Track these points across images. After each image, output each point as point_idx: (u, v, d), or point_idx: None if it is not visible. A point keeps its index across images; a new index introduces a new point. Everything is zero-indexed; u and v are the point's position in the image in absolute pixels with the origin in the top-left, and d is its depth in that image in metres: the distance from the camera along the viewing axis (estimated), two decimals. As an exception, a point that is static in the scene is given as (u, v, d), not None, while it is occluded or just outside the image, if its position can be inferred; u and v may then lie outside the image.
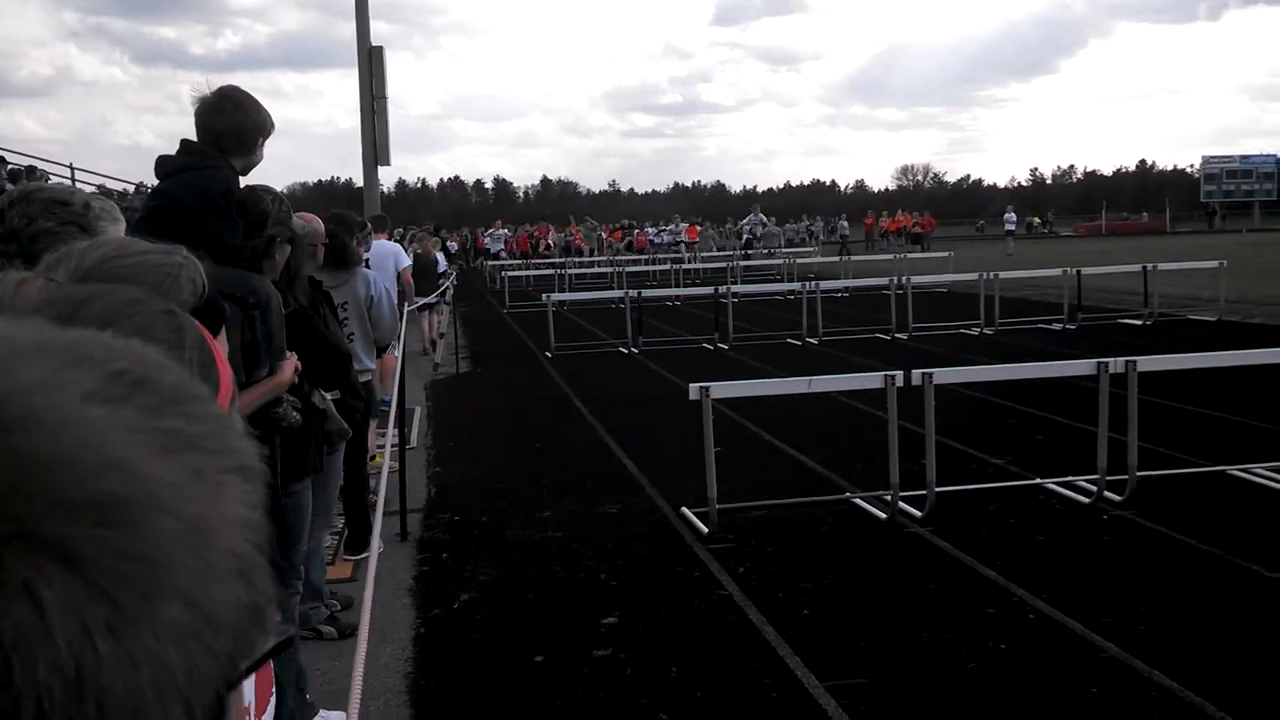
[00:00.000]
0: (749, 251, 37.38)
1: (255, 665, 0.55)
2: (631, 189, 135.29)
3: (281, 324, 3.47)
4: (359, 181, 19.04)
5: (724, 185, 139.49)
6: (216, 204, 3.41)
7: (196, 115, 3.54)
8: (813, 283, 17.66)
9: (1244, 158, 69.10)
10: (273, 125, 3.69)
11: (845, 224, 52.22)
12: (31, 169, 20.96)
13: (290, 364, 3.42)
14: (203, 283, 1.20)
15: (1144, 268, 17.07)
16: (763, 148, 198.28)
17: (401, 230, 23.96)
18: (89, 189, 13.23)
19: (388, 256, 10.11)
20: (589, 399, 11.31)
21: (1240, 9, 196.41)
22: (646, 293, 18.71)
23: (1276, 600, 5.02)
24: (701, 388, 6.31)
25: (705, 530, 6.33)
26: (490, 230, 50.32)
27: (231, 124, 3.53)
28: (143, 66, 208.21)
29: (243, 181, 3.69)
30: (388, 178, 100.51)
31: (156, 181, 3.65)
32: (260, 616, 0.52)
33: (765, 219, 40.71)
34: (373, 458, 6.66)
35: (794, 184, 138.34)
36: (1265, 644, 4.55)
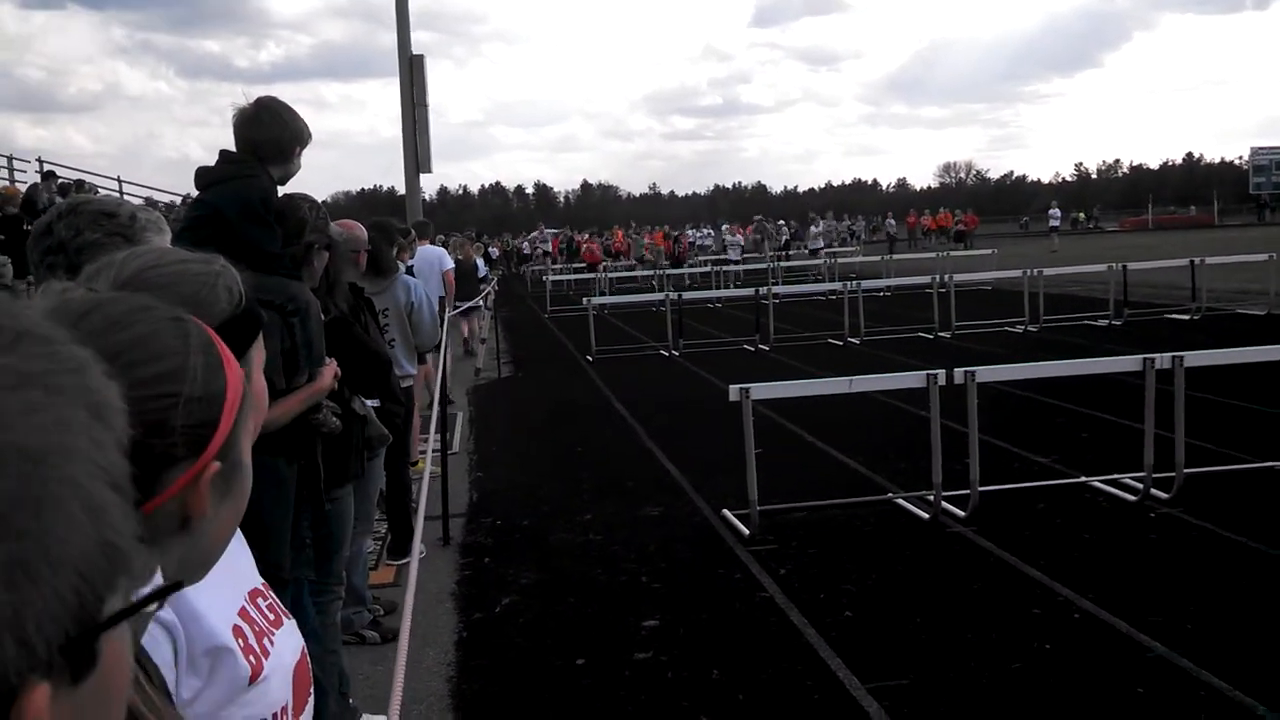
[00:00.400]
0: (789, 252, 37.19)
1: (126, 613, 0.53)
2: (672, 192, 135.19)
3: (321, 331, 3.50)
4: (401, 189, 19.16)
5: (765, 186, 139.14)
6: (255, 212, 3.45)
7: (235, 126, 3.58)
8: (854, 282, 17.57)
9: (1294, 149, 67.98)
10: (310, 135, 3.72)
11: (893, 222, 51.96)
12: (80, 183, 21.30)
13: (330, 370, 3.45)
14: (239, 291, 1.22)
15: (1191, 262, 16.83)
16: (803, 148, 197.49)
17: (443, 236, 24.13)
18: (137, 201, 13.43)
19: (432, 260, 10.48)
20: (630, 402, 11.32)
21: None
22: (687, 295, 18.72)
23: (1329, 598, 4.93)
24: (742, 389, 6.30)
25: (746, 532, 6.31)
26: (532, 234, 50.63)
27: (269, 134, 3.57)
28: (188, 80, 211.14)
29: (281, 190, 3.73)
30: (429, 185, 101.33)
31: (198, 193, 3.71)
32: (119, 557, 0.51)
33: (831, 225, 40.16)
34: (415, 463, 6.70)
35: (835, 184, 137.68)
36: (1317, 642, 4.47)
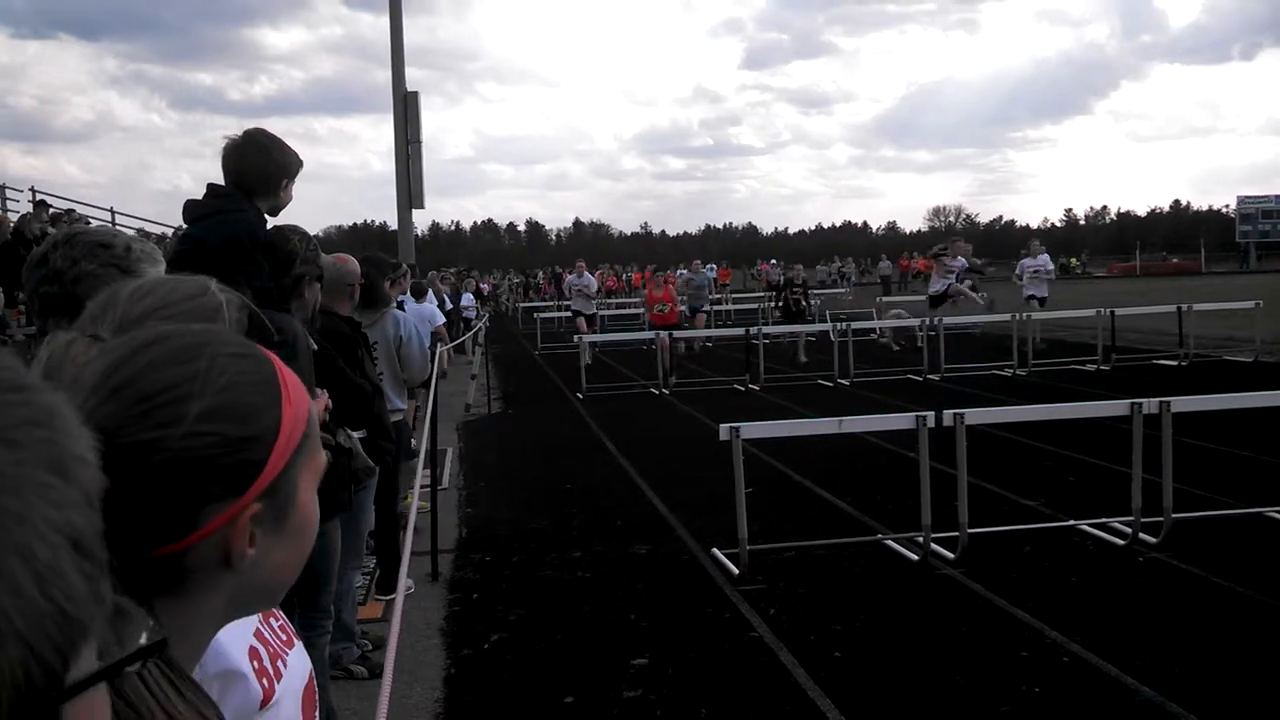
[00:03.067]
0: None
1: (89, 681, 0.51)
2: (663, 230, 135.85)
3: (310, 363, 3.51)
4: (394, 224, 19.21)
5: (755, 227, 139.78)
6: (240, 247, 3.44)
7: (222, 159, 3.59)
8: (844, 324, 17.63)
9: (1279, 197, 68.58)
10: (299, 166, 3.72)
11: (887, 264, 52.27)
12: (70, 212, 21.30)
13: (320, 403, 3.44)
14: (242, 318, 1.23)
15: (1179, 308, 16.94)
16: (793, 189, 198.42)
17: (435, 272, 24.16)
18: (129, 233, 13.39)
19: (424, 316, 11.31)
20: (620, 440, 11.32)
21: (1275, 48, 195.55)
22: (678, 334, 18.75)
23: (1316, 644, 4.95)
24: (732, 428, 6.31)
25: (736, 571, 6.31)
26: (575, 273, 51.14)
27: (255, 166, 3.58)
28: (180, 112, 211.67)
29: (272, 222, 3.74)
30: (421, 220, 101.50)
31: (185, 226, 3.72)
32: (72, 626, 0.49)
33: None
34: (404, 498, 6.69)
35: (825, 226, 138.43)
36: (1304, 689, 4.48)
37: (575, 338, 17.29)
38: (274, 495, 0.89)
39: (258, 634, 1.18)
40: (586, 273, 22.02)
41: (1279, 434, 9.26)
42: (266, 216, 3.66)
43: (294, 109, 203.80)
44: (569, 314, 24.84)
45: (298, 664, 1.24)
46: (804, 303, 21.08)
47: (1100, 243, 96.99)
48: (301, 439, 0.92)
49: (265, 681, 1.14)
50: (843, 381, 15.61)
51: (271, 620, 1.25)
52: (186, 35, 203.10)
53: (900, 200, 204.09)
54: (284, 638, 1.25)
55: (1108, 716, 4.31)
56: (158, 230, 26.54)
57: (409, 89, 18.56)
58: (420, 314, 11.33)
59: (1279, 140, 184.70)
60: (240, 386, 0.87)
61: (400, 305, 7.47)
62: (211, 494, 0.85)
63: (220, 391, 0.86)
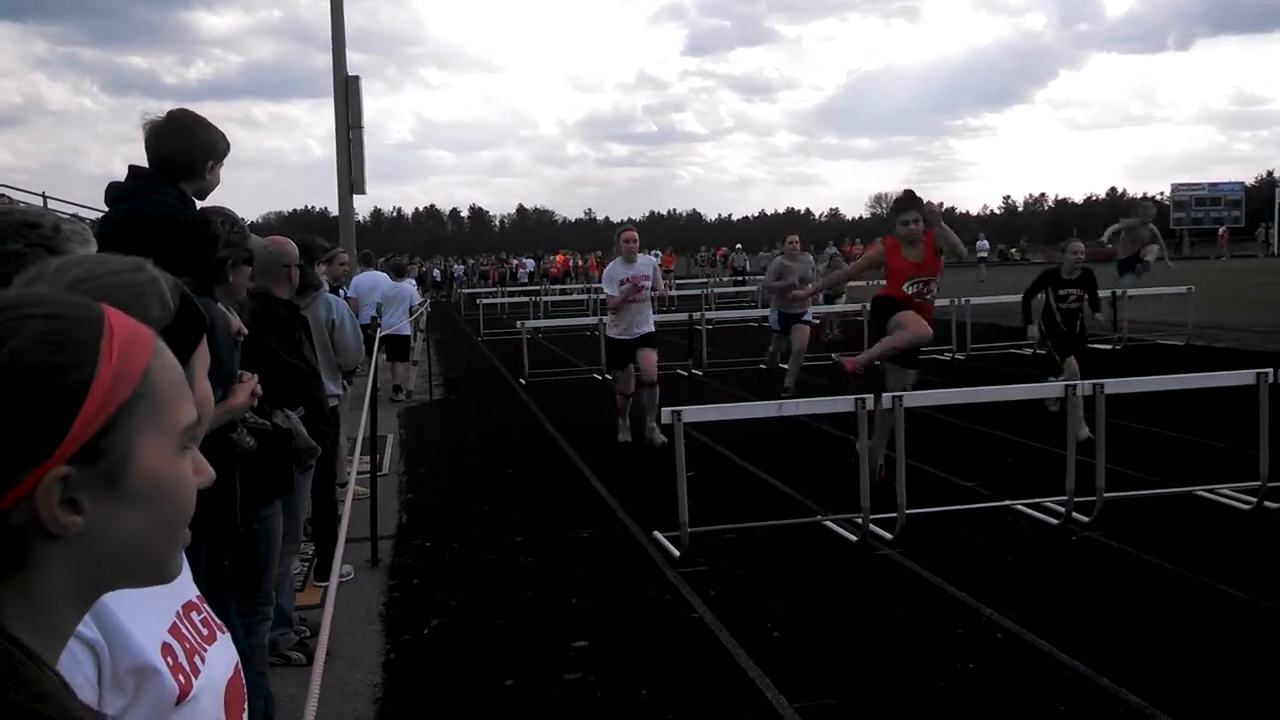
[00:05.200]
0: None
1: None
2: (607, 217, 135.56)
3: (231, 347, 3.44)
4: (335, 210, 19.01)
5: (700, 214, 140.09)
6: (155, 229, 3.34)
7: (144, 140, 3.53)
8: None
9: (1212, 185, 69.98)
10: (226, 148, 3.63)
11: (834, 250, 52.64)
12: (2, 196, 20.83)
13: (246, 387, 3.37)
14: (173, 297, 1.20)
15: (1113, 293, 17.21)
16: (737, 176, 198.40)
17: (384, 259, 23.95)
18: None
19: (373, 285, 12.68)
20: (562, 425, 11.32)
21: (1209, 38, 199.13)
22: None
23: (1241, 619, 5.07)
24: (674, 412, 6.33)
25: (677, 554, 6.34)
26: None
27: (176, 148, 3.50)
28: (114, 96, 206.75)
29: (203, 205, 3.67)
30: (363, 206, 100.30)
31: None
32: None
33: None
34: (342, 484, 6.64)
35: (769, 213, 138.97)
36: (1229, 662, 4.59)
37: (518, 323, 17.17)
38: (96, 459, 0.84)
39: (173, 629, 1.16)
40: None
41: (1208, 415, 9.46)
42: (196, 200, 3.60)
43: (231, 93, 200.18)
44: (511, 300, 24.33)
45: (219, 658, 1.21)
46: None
47: (1039, 229, 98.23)
48: (134, 399, 0.86)
49: (181, 677, 1.12)
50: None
51: (193, 614, 1.22)
52: (118, 17, 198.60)
53: (843, 187, 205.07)
54: (205, 632, 1.22)
55: (1040, 690, 4.39)
56: (93, 215, 26.07)
57: (350, 73, 18.36)
58: (399, 292, 13.87)
59: (1212, 129, 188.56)
60: (34, 348, 0.82)
61: (335, 290, 7.39)
62: (7, 458, 0.81)
63: (10, 354, 0.82)
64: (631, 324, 9.91)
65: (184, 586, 1.23)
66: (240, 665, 1.27)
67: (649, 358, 9.85)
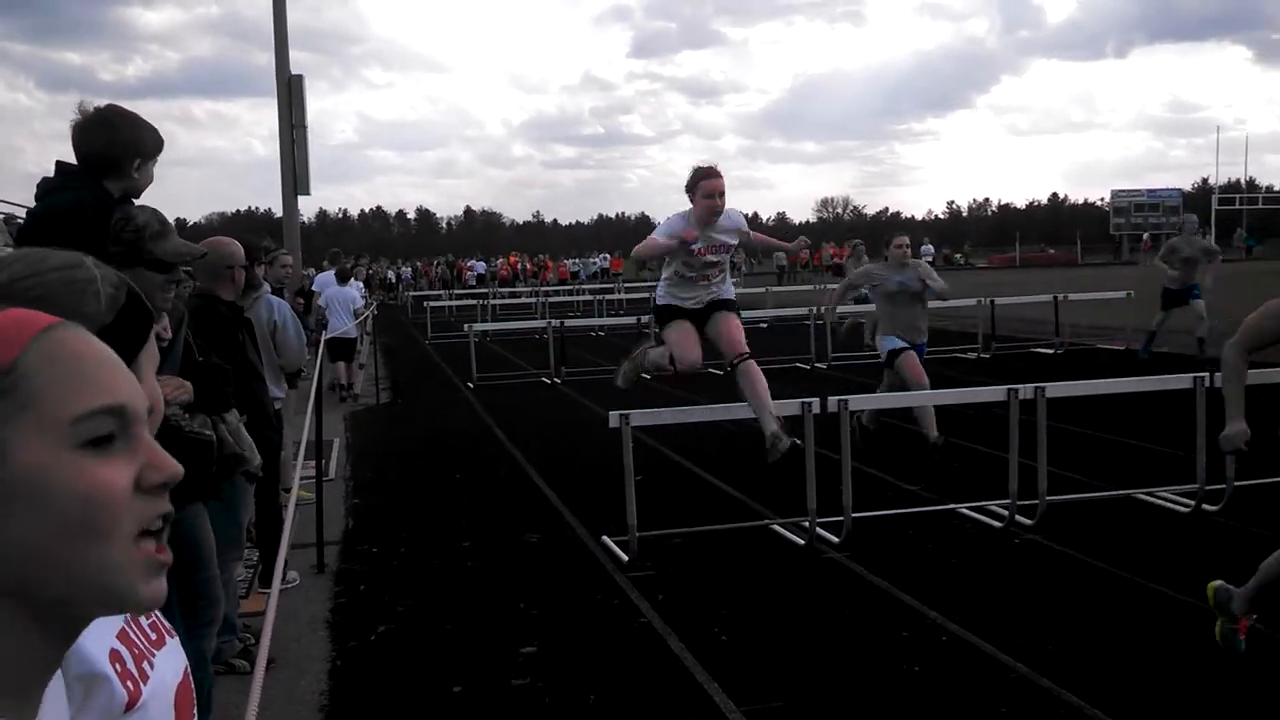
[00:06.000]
0: None
1: None
2: (555, 220, 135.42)
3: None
4: (279, 211, 18.80)
5: (648, 216, 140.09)
6: (61, 225, 3.27)
7: (71, 137, 3.47)
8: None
9: (1150, 191, 71.20)
10: (155, 146, 3.54)
11: (782, 255, 52.94)
12: (-64, 197, 20.40)
13: (164, 391, 3.29)
14: (112, 295, 1.18)
15: (1055, 298, 17.51)
16: (684, 179, 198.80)
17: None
18: (-3, 217, 12.89)
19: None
20: (510, 429, 11.28)
21: (1146, 46, 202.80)
22: (570, 323, 18.75)
23: (1179, 620, 5.16)
24: (622, 415, 6.34)
25: (625, 558, 6.34)
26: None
27: (99, 145, 3.43)
28: (49, 93, 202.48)
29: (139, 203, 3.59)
30: (308, 207, 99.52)
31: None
32: None
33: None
34: (287, 489, 6.57)
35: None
36: (1168, 662, 4.67)
37: (465, 326, 17.11)
38: None
39: (121, 634, 1.14)
40: None
41: (1148, 419, 9.63)
42: (131, 198, 3.52)
43: (170, 91, 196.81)
44: (460, 303, 24.11)
45: (168, 664, 1.19)
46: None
47: (982, 234, 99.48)
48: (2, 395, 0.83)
49: (130, 684, 1.10)
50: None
51: (141, 619, 1.20)
52: (52, 12, 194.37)
53: (789, 191, 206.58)
54: (153, 637, 1.20)
55: (983, 692, 4.44)
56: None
57: (293, 72, 18.17)
58: (343, 296, 14.18)
59: (1149, 136, 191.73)
60: None
61: (279, 292, 7.31)
62: None
63: None
64: (700, 293, 6.94)
65: None
66: (189, 670, 1.25)
67: (730, 325, 6.96)
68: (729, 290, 7.18)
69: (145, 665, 1.13)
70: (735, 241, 7.03)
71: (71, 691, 1.05)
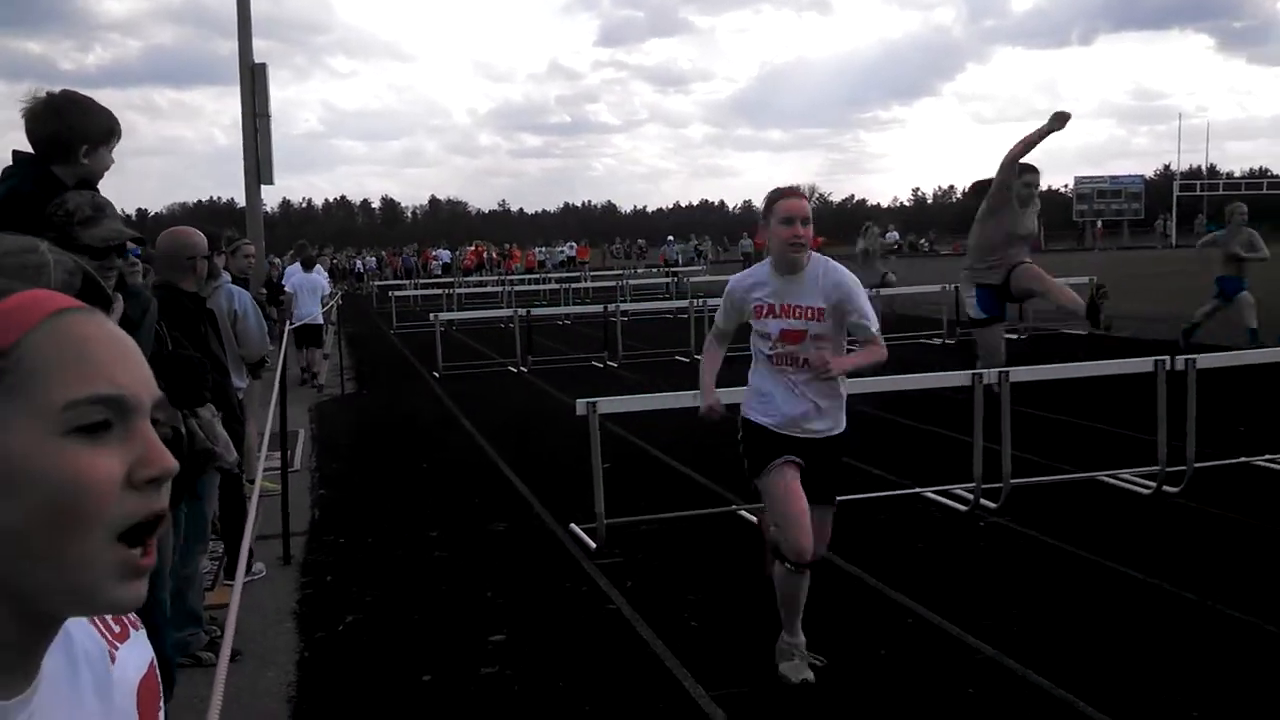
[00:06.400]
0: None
1: None
2: (521, 209, 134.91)
3: (151, 336, 3.36)
4: (242, 201, 18.62)
5: (614, 205, 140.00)
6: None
7: (23, 123, 3.43)
8: (701, 300, 17.82)
9: (1113, 178, 71.83)
10: (107, 132, 3.48)
11: (747, 241, 53.12)
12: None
13: None
14: (67, 280, 1.17)
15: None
16: (651, 168, 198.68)
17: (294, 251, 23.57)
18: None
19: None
20: (477, 418, 11.25)
21: (1110, 34, 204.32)
22: (536, 311, 18.73)
23: (1141, 600, 5.22)
24: (589, 403, 6.33)
25: (593, 545, 6.34)
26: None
27: (48, 131, 3.38)
28: (8, 82, 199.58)
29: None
30: (271, 197, 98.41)
31: None
32: None
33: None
34: (251, 480, 6.53)
35: (683, 204, 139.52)
36: (1132, 643, 4.73)
37: (431, 315, 17.03)
38: None
39: (81, 626, 1.12)
40: None
41: (1111, 402, 9.73)
42: (88, 184, 3.47)
43: (131, 80, 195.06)
44: (425, 293, 23.89)
45: (132, 656, 1.17)
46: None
47: (948, 220, 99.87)
48: None
49: None
50: (699, 357, 15.77)
51: None
52: (11, 1, 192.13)
53: (756, 178, 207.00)
54: (117, 629, 1.18)
55: (950, 674, 4.47)
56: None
57: (256, 60, 17.99)
58: (309, 282, 14.40)
59: (1113, 123, 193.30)
60: None
61: (242, 281, 7.24)
62: None
63: None
64: (787, 403, 4.73)
65: None
66: (156, 662, 1.23)
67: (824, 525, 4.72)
68: (838, 416, 4.77)
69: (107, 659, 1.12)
70: (828, 322, 4.61)
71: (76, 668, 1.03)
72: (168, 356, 4.09)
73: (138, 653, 1.18)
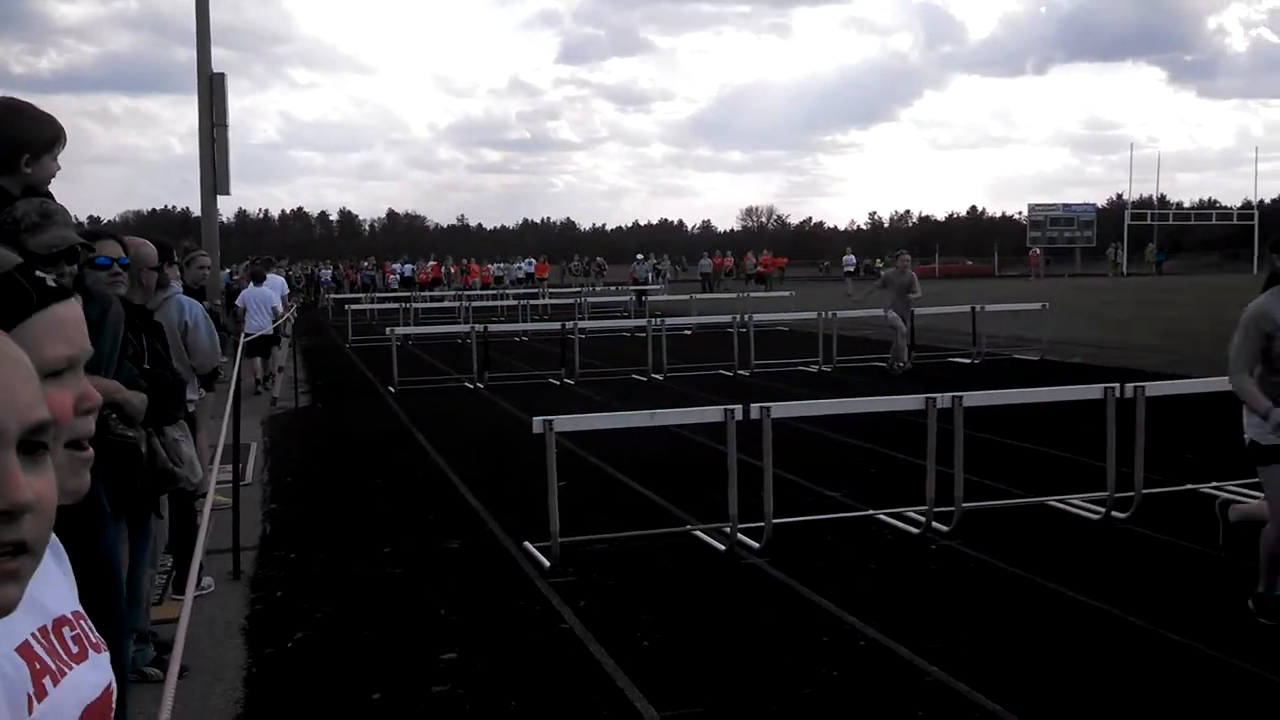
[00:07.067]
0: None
1: None
2: (480, 224, 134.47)
3: (115, 340, 3.32)
4: (197, 211, 18.45)
5: (574, 223, 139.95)
6: None
7: None
8: (659, 320, 17.89)
9: (1066, 206, 72.81)
10: (46, 141, 3.42)
11: (707, 261, 53.27)
12: None
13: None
14: None
15: (973, 309, 17.84)
16: (611, 186, 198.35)
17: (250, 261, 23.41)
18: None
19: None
20: (432, 434, 11.20)
21: (1064, 64, 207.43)
22: (493, 328, 18.68)
23: (1089, 624, 5.29)
24: (545, 421, 6.32)
25: (547, 564, 6.33)
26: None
27: None
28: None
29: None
30: (227, 207, 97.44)
31: None
32: None
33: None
34: (202, 494, 6.45)
35: (642, 223, 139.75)
36: (1079, 666, 4.78)
37: (387, 329, 16.95)
38: None
39: (23, 648, 1.10)
40: None
41: (1062, 428, 9.84)
42: (36, 192, 3.42)
43: (86, 86, 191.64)
44: (381, 306, 23.66)
45: (86, 679, 1.14)
46: None
47: (903, 245, 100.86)
48: None
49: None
50: (656, 376, 15.82)
51: (64, 629, 1.16)
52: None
53: (715, 199, 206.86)
54: (75, 650, 1.15)
55: (899, 696, 4.51)
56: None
57: (215, 70, 17.87)
58: (261, 296, 14.21)
59: (1066, 152, 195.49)
60: None
61: (200, 293, 7.18)
62: None
63: None
64: None
65: (57, 603, 1.16)
66: (113, 687, 1.20)
67: None
68: None
69: (46, 681, 1.09)
70: None
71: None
72: (145, 374, 4.05)
73: (93, 676, 1.15)
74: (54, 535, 1.24)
